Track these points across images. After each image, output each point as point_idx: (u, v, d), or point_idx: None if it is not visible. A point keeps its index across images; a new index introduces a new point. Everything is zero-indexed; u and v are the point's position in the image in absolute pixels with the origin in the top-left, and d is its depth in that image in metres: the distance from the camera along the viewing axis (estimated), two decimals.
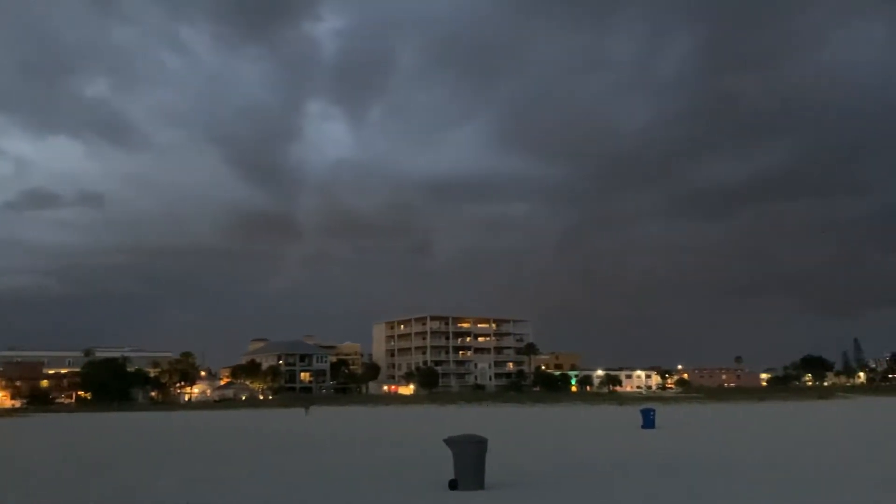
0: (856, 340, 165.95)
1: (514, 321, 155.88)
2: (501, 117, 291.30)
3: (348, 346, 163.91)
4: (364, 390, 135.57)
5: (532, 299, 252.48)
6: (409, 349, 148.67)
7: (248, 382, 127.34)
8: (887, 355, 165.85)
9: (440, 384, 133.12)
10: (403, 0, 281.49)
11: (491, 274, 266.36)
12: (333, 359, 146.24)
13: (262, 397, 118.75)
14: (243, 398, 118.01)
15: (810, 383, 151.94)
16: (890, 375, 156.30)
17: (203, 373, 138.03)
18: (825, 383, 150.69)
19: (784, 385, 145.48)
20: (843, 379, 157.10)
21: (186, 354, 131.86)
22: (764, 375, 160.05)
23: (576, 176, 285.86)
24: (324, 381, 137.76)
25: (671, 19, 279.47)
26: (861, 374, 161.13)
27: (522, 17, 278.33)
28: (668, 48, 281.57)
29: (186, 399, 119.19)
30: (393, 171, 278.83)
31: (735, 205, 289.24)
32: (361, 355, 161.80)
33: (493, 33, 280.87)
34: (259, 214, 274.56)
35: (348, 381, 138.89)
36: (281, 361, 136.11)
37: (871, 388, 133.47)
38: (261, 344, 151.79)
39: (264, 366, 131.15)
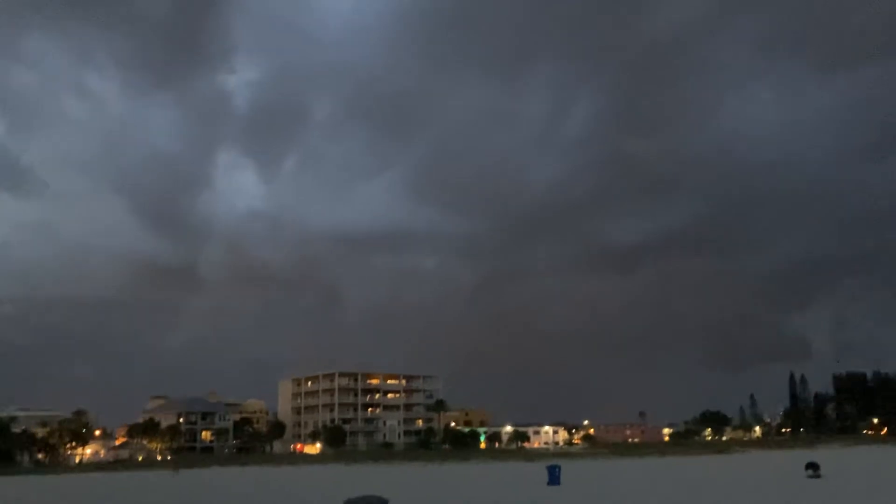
0: (752, 395, 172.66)
1: (425, 377, 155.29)
2: (414, 170, 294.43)
3: (253, 403, 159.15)
4: (269, 450, 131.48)
5: (443, 354, 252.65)
6: (317, 406, 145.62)
7: (145, 442, 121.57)
8: (781, 410, 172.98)
9: (348, 442, 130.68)
10: (318, 52, 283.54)
11: (402, 328, 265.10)
12: (237, 417, 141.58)
13: (160, 458, 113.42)
14: (140, 459, 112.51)
15: (710, 438, 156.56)
16: (783, 430, 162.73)
17: (98, 432, 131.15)
18: (723, 438, 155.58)
19: (685, 440, 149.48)
20: (740, 433, 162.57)
21: (79, 413, 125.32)
22: (666, 430, 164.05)
23: (487, 230, 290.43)
24: (226, 441, 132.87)
25: (578, 80, 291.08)
26: (757, 428, 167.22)
27: (436, 72, 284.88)
28: (574, 108, 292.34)
29: (77, 461, 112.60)
30: (304, 223, 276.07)
31: (639, 261, 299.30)
32: (266, 413, 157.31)
33: (407, 87, 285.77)
34: (163, 266, 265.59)
35: (252, 440, 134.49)
36: (181, 419, 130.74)
37: (766, 442, 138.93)
38: (161, 401, 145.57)
39: (163, 424, 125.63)
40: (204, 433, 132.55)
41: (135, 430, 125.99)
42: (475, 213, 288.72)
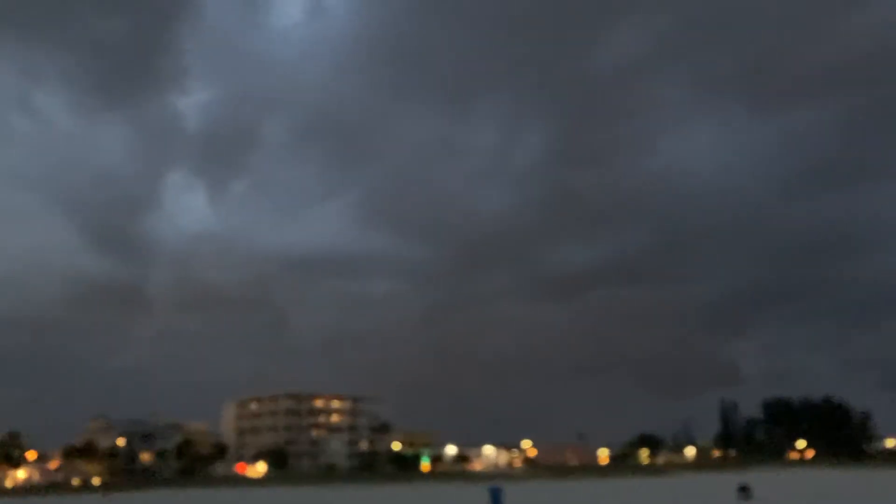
0: (686, 419, 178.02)
1: (370, 399, 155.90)
2: (366, 196, 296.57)
3: (196, 425, 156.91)
4: (211, 472, 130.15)
5: (389, 378, 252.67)
6: (261, 428, 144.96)
7: (82, 465, 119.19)
8: (713, 434, 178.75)
9: (291, 464, 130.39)
10: (271, 76, 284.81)
11: (349, 352, 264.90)
12: (179, 439, 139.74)
13: (97, 481, 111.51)
14: (75, 483, 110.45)
15: (646, 460, 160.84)
16: (715, 453, 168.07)
17: (31, 455, 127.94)
18: (659, 460, 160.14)
19: (622, 462, 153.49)
20: (674, 456, 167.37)
21: (13, 435, 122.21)
22: (604, 452, 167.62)
23: (436, 256, 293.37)
24: (167, 463, 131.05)
25: (525, 113, 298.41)
26: (691, 451, 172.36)
27: (389, 100, 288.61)
28: (523, 139, 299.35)
29: (9, 485, 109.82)
30: (254, 246, 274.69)
31: (582, 289, 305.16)
32: (209, 434, 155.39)
33: (359, 114, 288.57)
34: (107, 285, 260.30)
35: (194, 463, 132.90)
36: (121, 441, 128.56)
37: (699, 464, 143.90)
38: (101, 423, 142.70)
39: (102, 446, 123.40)
40: (144, 455, 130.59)
41: (71, 453, 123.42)
42: (424, 241, 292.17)
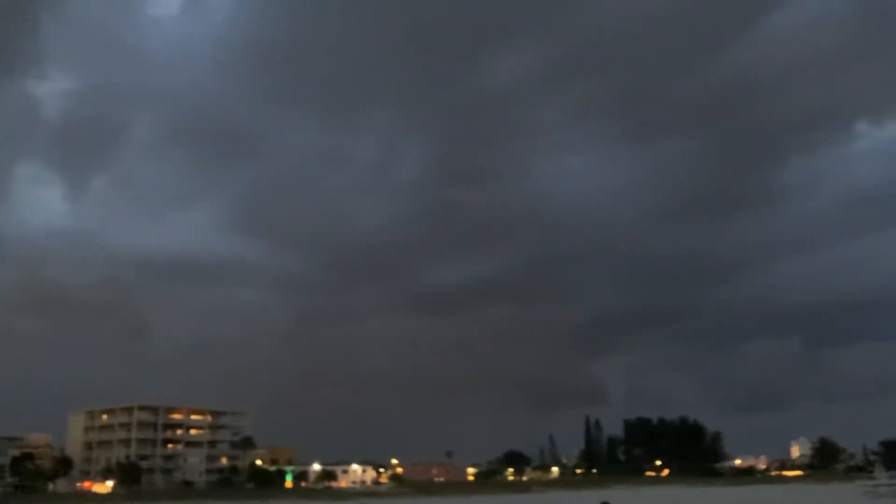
0: (551, 437, 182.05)
1: (233, 413, 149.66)
2: (236, 202, 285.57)
3: (37, 437, 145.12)
4: (52, 488, 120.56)
5: (254, 391, 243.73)
6: (112, 442, 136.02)
7: None
8: (577, 452, 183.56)
9: (144, 480, 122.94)
10: (143, 69, 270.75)
11: (213, 362, 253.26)
12: (17, 452, 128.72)
13: None
14: None
15: (511, 478, 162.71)
16: (578, 470, 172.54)
17: None
18: (524, 477, 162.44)
19: (489, 479, 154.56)
20: (539, 473, 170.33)
21: None
22: (471, 470, 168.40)
23: (309, 267, 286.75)
24: (2, 479, 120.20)
25: (409, 128, 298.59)
26: (555, 468, 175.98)
27: (268, 104, 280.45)
28: (405, 154, 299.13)
29: None
30: (112, 247, 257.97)
31: (455, 307, 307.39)
32: (53, 448, 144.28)
33: (237, 117, 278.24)
34: None
35: (34, 478, 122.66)
36: None
37: (563, 482, 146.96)
38: None
39: None
40: None
41: None
42: (298, 252, 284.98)
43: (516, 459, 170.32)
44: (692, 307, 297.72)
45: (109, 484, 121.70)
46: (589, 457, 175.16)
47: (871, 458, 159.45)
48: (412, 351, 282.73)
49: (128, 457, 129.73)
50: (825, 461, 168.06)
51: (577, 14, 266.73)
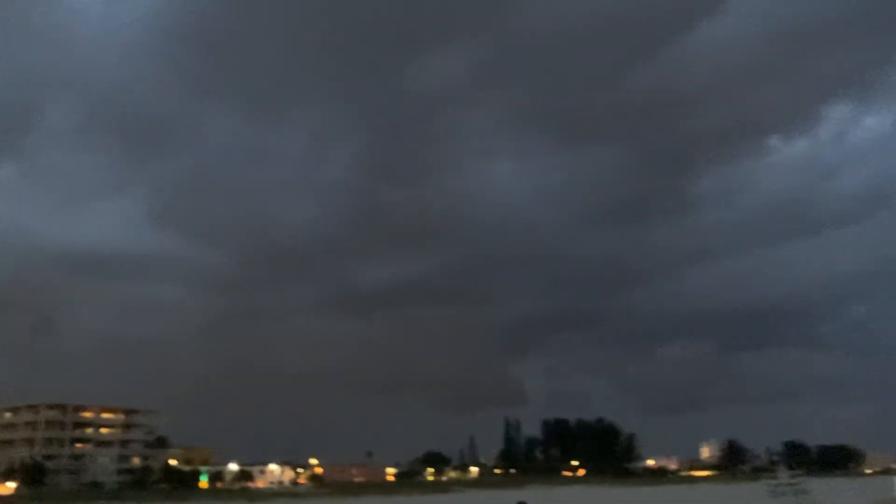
0: (471, 438, 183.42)
1: (146, 412, 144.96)
2: (159, 194, 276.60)
3: None
4: None
5: (170, 390, 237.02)
6: (14, 441, 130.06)
7: None
8: (496, 452, 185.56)
9: (49, 481, 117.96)
10: (59, 54, 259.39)
11: (128, 359, 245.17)
12: None
13: None
14: None
15: (431, 478, 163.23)
16: (496, 471, 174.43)
17: None
18: (444, 478, 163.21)
19: (408, 479, 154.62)
20: (459, 474, 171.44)
21: None
22: (391, 470, 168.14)
23: (232, 264, 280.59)
24: None
25: (337, 126, 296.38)
26: (474, 469, 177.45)
27: (193, 96, 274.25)
28: (332, 152, 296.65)
29: None
30: (21, 239, 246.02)
31: (381, 306, 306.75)
32: None
33: (161, 108, 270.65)
34: None
35: None
36: None
37: (482, 482, 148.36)
38: None
39: None
40: None
41: None
42: (222, 247, 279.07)
43: (436, 460, 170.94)
44: (611, 310, 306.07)
45: (11, 485, 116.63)
46: (508, 457, 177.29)
47: (774, 458, 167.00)
48: (334, 350, 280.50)
49: (32, 457, 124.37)
50: (732, 461, 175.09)
51: (507, 21, 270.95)
